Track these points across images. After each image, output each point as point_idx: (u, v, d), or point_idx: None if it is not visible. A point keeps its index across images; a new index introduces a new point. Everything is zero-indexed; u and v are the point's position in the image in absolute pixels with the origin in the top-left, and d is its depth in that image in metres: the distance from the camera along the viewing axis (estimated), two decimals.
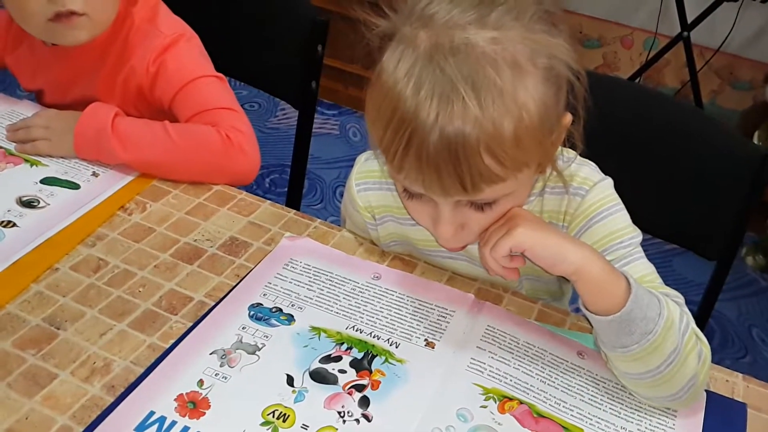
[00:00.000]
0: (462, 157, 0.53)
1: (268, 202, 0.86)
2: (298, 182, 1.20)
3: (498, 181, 0.55)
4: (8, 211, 0.77)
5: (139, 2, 0.91)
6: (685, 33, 2.14)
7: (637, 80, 2.31)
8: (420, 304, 0.72)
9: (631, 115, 0.93)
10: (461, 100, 0.52)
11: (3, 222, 0.76)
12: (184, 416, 0.59)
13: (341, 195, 2.07)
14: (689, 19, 2.11)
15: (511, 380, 0.64)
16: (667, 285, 0.66)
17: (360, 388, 0.63)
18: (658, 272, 0.67)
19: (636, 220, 0.70)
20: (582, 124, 0.60)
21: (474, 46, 0.52)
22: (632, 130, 0.93)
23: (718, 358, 0.62)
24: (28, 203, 0.79)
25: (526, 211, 0.62)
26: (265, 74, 1.15)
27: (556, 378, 0.65)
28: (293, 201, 1.20)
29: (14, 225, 0.76)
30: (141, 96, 0.92)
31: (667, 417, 0.63)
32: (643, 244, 0.68)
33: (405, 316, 0.70)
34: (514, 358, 0.66)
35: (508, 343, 0.68)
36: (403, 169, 0.56)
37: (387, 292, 0.73)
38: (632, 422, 0.62)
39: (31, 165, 0.85)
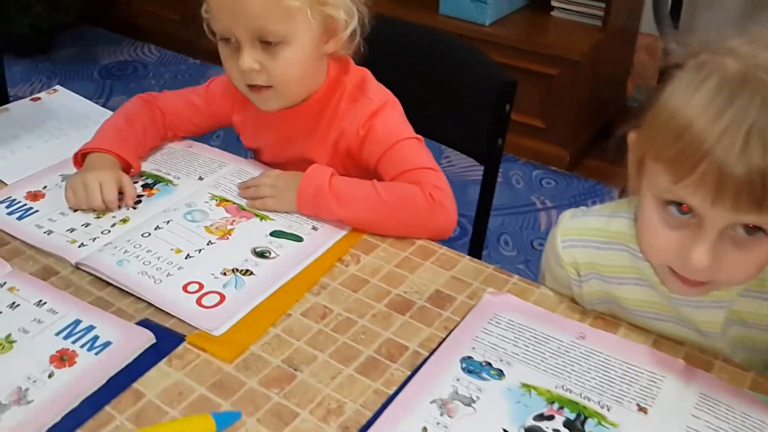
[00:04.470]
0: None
1: (467, 257, 0.91)
2: (480, 233, 1.25)
3: None
4: (246, 260, 0.88)
5: (350, 71, 1.01)
6: None
7: None
8: (628, 367, 0.73)
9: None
10: None
11: (242, 270, 0.86)
12: None
13: (505, 243, 2.10)
14: None
15: None
16: None
17: None
18: None
19: None
20: None
21: None
22: None
23: None
24: (261, 254, 0.89)
25: None
26: (453, 132, 1.22)
27: None
28: (475, 251, 1.25)
29: (252, 273, 0.86)
30: (349, 156, 1.01)
31: None
32: None
33: (614, 378, 0.72)
34: (732, 429, 0.66)
35: (724, 412, 0.68)
36: (683, 181, 0.59)
37: (593, 353, 0.75)
38: None
39: (261, 219, 0.96)
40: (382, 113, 0.98)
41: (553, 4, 2.46)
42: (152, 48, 3.30)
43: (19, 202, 0.97)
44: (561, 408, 0.69)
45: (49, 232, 0.92)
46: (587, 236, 0.78)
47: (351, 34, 0.94)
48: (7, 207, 0.96)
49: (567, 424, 0.68)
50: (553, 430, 0.67)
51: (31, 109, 1.22)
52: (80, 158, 1.00)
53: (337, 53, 0.98)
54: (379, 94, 1.00)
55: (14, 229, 0.92)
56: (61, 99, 1.25)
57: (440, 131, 1.21)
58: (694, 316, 0.73)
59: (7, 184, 1.01)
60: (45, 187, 1.00)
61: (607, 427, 0.67)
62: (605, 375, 0.73)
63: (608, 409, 0.69)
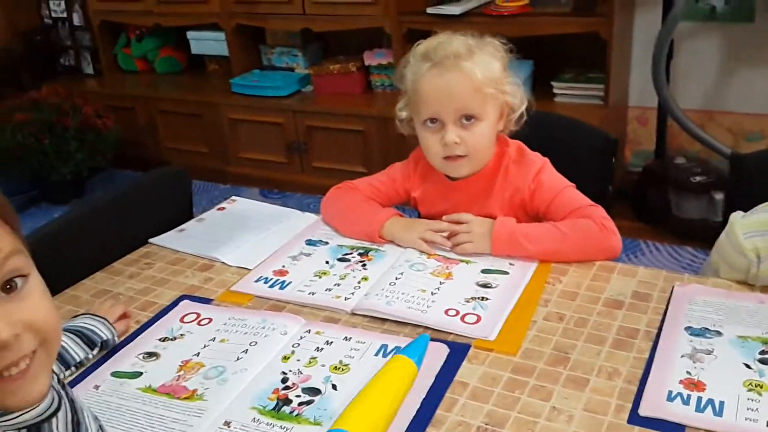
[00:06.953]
0: None
1: (642, 267, 1.17)
2: None
3: None
4: (476, 291, 1.12)
5: (509, 144, 1.30)
6: None
7: None
8: None
9: None
10: None
11: (479, 297, 1.10)
12: (689, 390, 0.87)
13: None
14: None
15: None
16: None
17: None
18: None
19: None
20: None
21: None
22: None
23: None
24: (485, 285, 1.13)
25: None
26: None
27: None
28: None
29: (487, 299, 1.09)
30: (522, 207, 1.27)
31: None
32: None
33: None
34: None
35: None
36: None
37: None
38: None
39: (466, 263, 1.20)
40: (544, 170, 1.26)
41: (555, 91, 2.85)
42: None
43: (271, 278, 1.20)
44: None
45: (312, 294, 1.14)
46: (763, 228, 1.05)
47: (519, 116, 1.24)
48: (265, 282, 1.18)
49: None
50: None
51: (222, 216, 1.46)
52: (377, 233, 1.27)
53: (505, 130, 1.26)
54: (537, 156, 1.29)
55: (282, 296, 1.14)
56: (242, 205, 1.50)
57: None
58: None
59: (250, 269, 1.23)
60: (283, 266, 1.23)
61: None
62: None
63: None
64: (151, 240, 1.35)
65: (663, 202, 2.66)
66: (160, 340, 1.05)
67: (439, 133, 1.21)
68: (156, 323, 1.09)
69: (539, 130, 1.46)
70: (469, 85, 1.17)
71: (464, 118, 1.19)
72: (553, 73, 2.87)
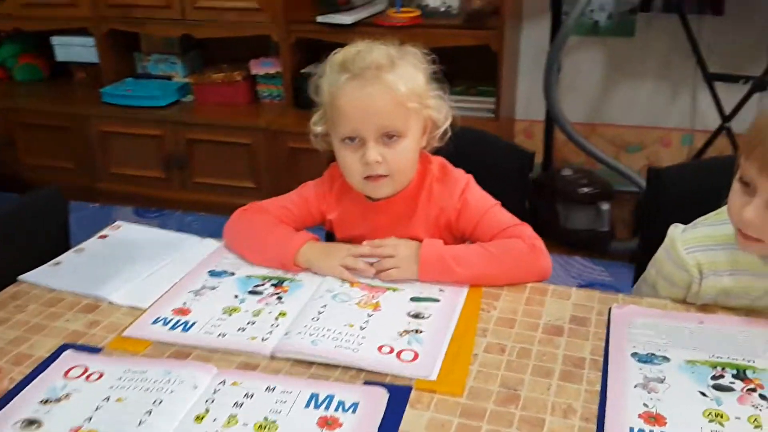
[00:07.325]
0: None
1: (574, 288, 1.11)
2: None
3: None
4: (409, 323, 1.01)
5: (432, 160, 1.21)
6: (726, 124, 2.52)
7: None
8: (747, 335, 0.97)
9: None
10: None
11: (413, 330, 1.00)
12: (650, 425, 0.81)
13: None
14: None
15: None
16: None
17: (752, 390, 0.86)
18: None
19: None
20: None
21: None
22: None
23: None
24: (417, 315, 1.03)
25: None
26: None
27: None
28: None
29: (422, 331, 0.99)
30: (447, 227, 1.19)
31: None
32: None
33: (742, 342, 0.95)
34: None
35: None
36: (749, 159, 0.89)
37: (717, 330, 0.98)
38: None
39: (393, 291, 1.10)
40: (469, 188, 1.19)
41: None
42: None
43: (171, 318, 1.04)
44: (723, 369, 0.90)
45: (223, 335, 0.99)
46: (704, 243, 1.02)
47: (443, 132, 1.16)
48: (164, 324, 1.02)
49: (735, 376, 0.89)
50: (729, 383, 0.88)
51: (104, 245, 1.27)
52: (292, 261, 1.14)
53: (428, 147, 1.18)
54: (461, 174, 1.21)
55: (186, 340, 0.99)
56: (128, 232, 1.32)
57: None
58: None
59: (145, 308, 1.07)
60: (185, 303, 1.07)
61: (761, 373, 0.89)
62: (733, 340, 0.95)
63: (753, 362, 0.91)
64: (20, 277, 1.15)
65: (551, 213, 2.70)
66: (41, 402, 0.86)
67: (359, 151, 1.10)
68: (34, 381, 0.90)
69: (456, 146, 1.39)
70: (391, 100, 1.07)
71: (386, 136, 1.09)
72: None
